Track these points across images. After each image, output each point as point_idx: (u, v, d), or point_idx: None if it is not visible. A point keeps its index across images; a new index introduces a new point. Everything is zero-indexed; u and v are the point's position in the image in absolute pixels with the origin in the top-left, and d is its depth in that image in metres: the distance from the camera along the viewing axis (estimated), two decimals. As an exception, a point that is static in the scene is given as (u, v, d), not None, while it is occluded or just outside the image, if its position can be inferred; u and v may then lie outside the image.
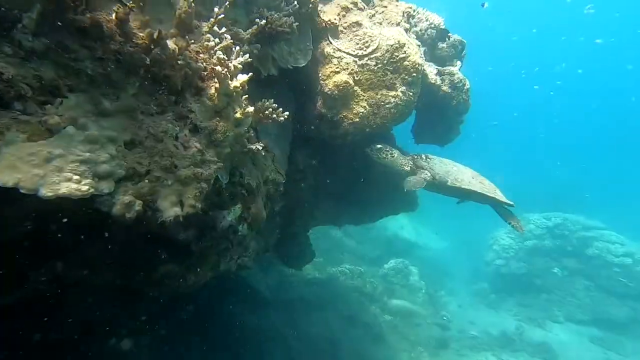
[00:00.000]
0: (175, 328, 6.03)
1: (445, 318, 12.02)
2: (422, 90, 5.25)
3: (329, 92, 4.19)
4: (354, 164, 6.15)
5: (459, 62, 5.74)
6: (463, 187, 5.02)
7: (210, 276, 4.08)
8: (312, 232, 13.26)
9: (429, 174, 5.03)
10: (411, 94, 4.58)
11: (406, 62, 4.41)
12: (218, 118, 2.59)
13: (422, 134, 6.35)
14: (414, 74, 4.49)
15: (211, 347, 6.53)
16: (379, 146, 4.86)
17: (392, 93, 4.43)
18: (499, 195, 5.31)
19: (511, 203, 5.36)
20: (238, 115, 2.67)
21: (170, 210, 2.30)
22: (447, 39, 5.65)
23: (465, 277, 16.43)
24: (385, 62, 4.34)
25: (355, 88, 4.29)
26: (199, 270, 3.75)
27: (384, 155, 4.87)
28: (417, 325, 10.86)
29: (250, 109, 2.71)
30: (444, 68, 5.57)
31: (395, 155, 4.97)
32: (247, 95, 2.80)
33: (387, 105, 4.42)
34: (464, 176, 5.11)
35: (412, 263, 14.03)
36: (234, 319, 7.64)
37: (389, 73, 4.40)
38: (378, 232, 15.66)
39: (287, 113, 3.45)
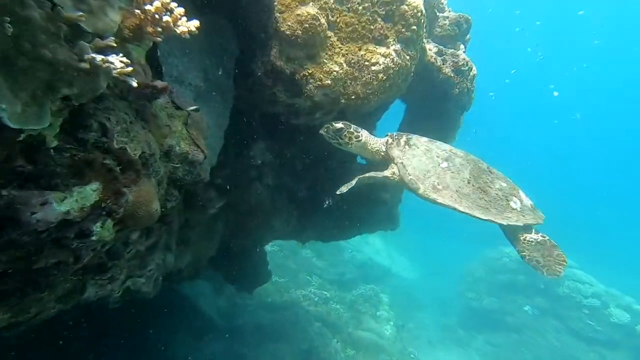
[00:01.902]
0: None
1: (412, 356, 10.25)
2: (417, 69, 3.67)
3: (288, 33, 2.53)
4: (328, 163, 4.49)
5: (462, 46, 4.22)
6: (439, 201, 3.11)
7: (59, 308, 2.25)
8: (276, 247, 11.45)
9: (396, 173, 3.16)
10: (408, 57, 2.97)
11: (404, 7, 2.81)
12: None
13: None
14: (414, 27, 2.89)
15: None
16: (338, 126, 3.06)
17: (382, 50, 2.80)
18: (509, 215, 3.39)
19: (529, 222, 3.38)
20: None
21: None
22: (445, 11, 4.12)
23: (436, 309, 14.79)
24: (375, 0, 2.72)
25: (329, 33, 2.65)
26: (23, 300, 1.87)
27: (347, 140, 3.08)
28: (382, 364, 9.00)
29: None
30: (446, 48, 4.04)
31: (363, 139, 3.18)
32: None
33: (373, 68, 2.78)
34: (454, 180, 3.17)
35: (383, 291, 12.35)
36: (158, 346, 5.66)
37: (379, 19, 2.78)
38: (351, 255, 14.08)
39: (196, 22, 1.76)
